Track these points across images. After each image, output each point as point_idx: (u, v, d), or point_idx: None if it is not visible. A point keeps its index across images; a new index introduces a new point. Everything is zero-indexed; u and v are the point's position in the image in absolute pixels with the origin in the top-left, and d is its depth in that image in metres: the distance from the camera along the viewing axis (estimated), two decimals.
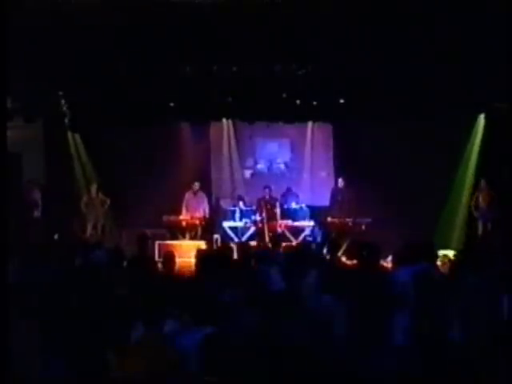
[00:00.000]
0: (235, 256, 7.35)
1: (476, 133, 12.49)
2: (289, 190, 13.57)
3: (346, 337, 4.18)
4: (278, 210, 12.68)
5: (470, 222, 12.31)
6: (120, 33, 9.61)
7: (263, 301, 4.71)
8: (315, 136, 14.01)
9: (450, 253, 9.93)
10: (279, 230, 12.52)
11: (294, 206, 13.34)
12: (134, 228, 11.55)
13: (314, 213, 13.07)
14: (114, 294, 5.05)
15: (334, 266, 6.55)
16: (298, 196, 13.52)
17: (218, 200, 13.96)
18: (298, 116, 12.42)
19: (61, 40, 9.63)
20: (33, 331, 3.97)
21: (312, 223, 12.73)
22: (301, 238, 12.42)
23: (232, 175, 14.21)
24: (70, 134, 13.00)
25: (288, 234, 12.50)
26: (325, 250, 7.12)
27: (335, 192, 12.73)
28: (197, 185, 12.90)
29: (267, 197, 12.65)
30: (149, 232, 11.13)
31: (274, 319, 4.21)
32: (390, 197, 12.18)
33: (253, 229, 12.63)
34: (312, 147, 14.05)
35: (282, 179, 14.05)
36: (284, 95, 11.42)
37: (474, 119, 12.48)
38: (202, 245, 11.77)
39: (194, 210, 12.83)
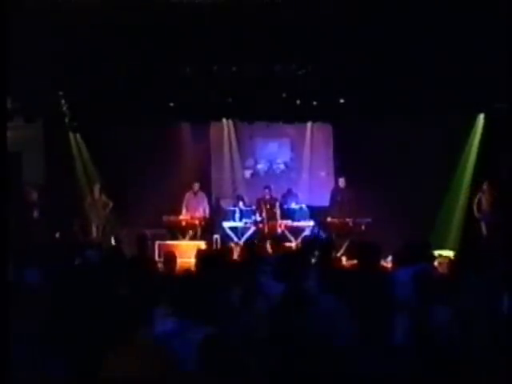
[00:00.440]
0: (238, 256, 7.36)
1: (475, 133, 12.49)
2: (289, 190, 13.57)
3: (346, 337, 4.18)
4: (277, 210, 12.69)
5: (468, 222, 12.31)
6: (120, 33, 9.62)
7: (263, 301, 4.71)
8: (315, 136, 14.02)
9: (450, 253, 9.96)
10: (279, 230, 12.53)
11: (293, 206, 13.35)
12: (134, 228, 11.56)
13: (314, 213, 13.09)
14: (114, 294, 5.05)
15: (333, 266, 6.54)
16: (298, 196, 13.53)
17: (218, 200, 13.96)
18: (297, 116, 12.42)
19: (61, 40, 9.63)
20: (32, 331, 3.97)
21: (312, 223, 12.74)
22: (300, 238, 12.42)
23: (232, 175, 14.22)
24: (71, 134, 13.00)
25: (288, 234, 12.51)
26: (316, 252, 7.11)
27: (335, 192, 12.72)
28: (197, 185, 12.92)
29: (267, 197, 12.65)
30: (149, 232, 11.15)
31: (274, 319, 4.21)
32: (389, 197, 12.18)
33: (253, 229, 12.63)
34: (311, 147, 14.05)
35: (282, 179, 14.06)
36: (284, 95, 11.42)
37: (474, 119, 12.48)
38: (202, 245, 11.78)
39: (193, 210, 12.84)
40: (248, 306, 4.65)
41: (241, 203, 13.31)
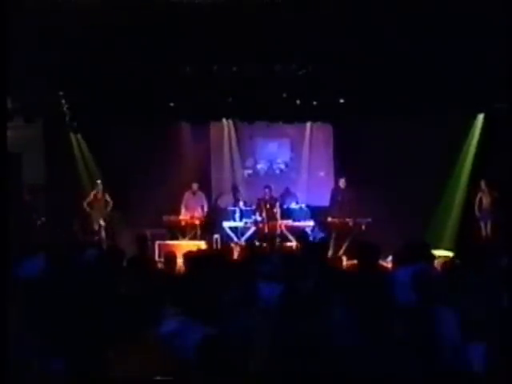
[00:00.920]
0: (237, 256, 7.36)
1: (474, 133, 12.50)
2: (287, 190, 13.57)
3: (346, 337, 4.18)
4: (277, 210, 12.69)
5: (464, 222, 12.31)
6: (120, 33, 9.61)
7: (263, 301, 4.71)
8: (314, 136, 14.01)
9: (445, 253, 9.97)
10: (279, 230, 12.53)
11: (293, 206, 13.36)
12: (134, 228, 11.56)
13: (314, 213, 13.09)
14: (114, 294, 5.05)
15: (333, 266, 6.55)
16: (296, 196, 13.52)
17: (218, 200, 13.96)
18: (297, 116, 12.43)
19: (61, 40, 9.62)
20: (32, 330, 3.97)
21: (312, 223, 12.75)
22: (298, 238, 12.41)
23: (232, 175, 14.21)
24: (71, 134, 13.00)
25: (288, 234, 12.51)
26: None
27: (335, 192, 12.72)
28: (195, 185, 12.92)
29: (267, 197, 12.65)
30: (149, 232, 11.16)
31: (273, 320, 4.21)
32: (390, 197, 12.18)
33: (253, 229, 12.63)
34: (310, 147, 14.05)
35: (282, 179, 14.05)
36: (284, 95, 11.42)
37: (474, 119, 12.48)
38: (202, 245, 11.78)
39: (192, 210, 12.84)
40: (247, 306, 4.65)
41: (241, 203, 13.32)
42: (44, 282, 5.62)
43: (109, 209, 12.60)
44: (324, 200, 12.99)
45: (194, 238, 12.61)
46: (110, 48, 9.99)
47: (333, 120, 13.21)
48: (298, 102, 11.56)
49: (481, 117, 12.32)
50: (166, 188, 12.65)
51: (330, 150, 14.01)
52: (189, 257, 6.16)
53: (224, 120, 13.70)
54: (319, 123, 13.64)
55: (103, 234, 12.46)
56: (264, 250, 9.87)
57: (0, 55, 4.21)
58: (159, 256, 11.11)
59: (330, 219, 12.47)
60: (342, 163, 13.47)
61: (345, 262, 10.66)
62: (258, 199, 12.73)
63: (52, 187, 12.75)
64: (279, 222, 12.61)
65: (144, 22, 9.39)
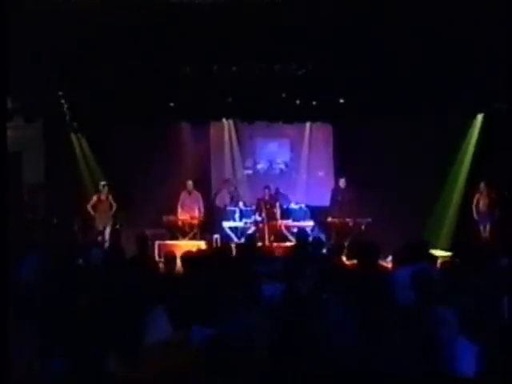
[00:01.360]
0: (237, 256, 7.34)
1: (472, 133, 12.49)
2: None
3: (345, 336, 4.18)
4: (277, 210, 12.70)
5: (462, 222, 12.31)
6: (120, 33, 9.61)
7: (263, 301, 4.71)
8: (314, 136, 14.02)
9: (441, 253, 9.97)
10: (279, 230, 12.53)
11: (293, 206, 13.36)
12: (134, 228, 11.56)
13: (314, 213, 13.09)
14: (114, 294, 5.05)
15: (333, 266, 6.54)
16: (287, 197, 13.45)
17: (216, 200, 13.94)
18: (297, 116, 12.44)
19: (61, 40, 9.63)
20: (33, 331, 3.97)
21: (312, 223, 12.75)
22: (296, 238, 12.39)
23: (233, 175, 14.21)
24: (72, 134, 12.99)
25: (288, 234, 12.51)
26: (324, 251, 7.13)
27: (335, 192, 12.72)
28: (190, 184, 12.86)
29: (267, 197, 12.65)
30: (149, 232, 11.16)
31: (274, 319, 4.21)
32: (390, 197, 12.18)
33: (253, 229, 12.63)
34: (310, 147, 14.06)
35: (282, 179, 14.06)
36: (284, 95, 11.42)
37: (473, 119, 12.47)
38: (202, 245, 11.78)
39: (189, 210, 12.83)
40: (247, 306, 4.66)
41: (241, 203, 13.32)
42: (44, 282, 5.62)
43: (113, 211, 12.57)
44: (324, 200, 13.00)
45: (193, 238, 12.62)
46: (110, 48, 10.00)
47: (332, 120, 13.23)
48: (297, 102, 11.57)
49: (480, 117, 12.31)
50: (166, 188, 12.65)
51: (330, 150, 14.02)
52: (188, 257, 6.15)
53: (224, 120, 13.71)
54: (319, 123, 13.65)
55: (107, 235, 12.44)
56: (264, 249, 9.87)
57: (0, 55, 4.21)
58: (159, 256, 11.10)
59: (330, 219, 12.48)
60: (342, 163, 13.47)
61: (345, 261, 10.64)
62: (258, 199, 12.73)
63: (52, 187, 12.74)
64: (279, 222, 12.61)
65: (144, 22, 9.40)
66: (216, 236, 12.61)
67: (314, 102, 11.63)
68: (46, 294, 5.08)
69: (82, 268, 6.66)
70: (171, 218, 12.72)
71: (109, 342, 4.24)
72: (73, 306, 4.70)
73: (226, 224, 12.97)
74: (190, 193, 12.92)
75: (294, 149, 14.27)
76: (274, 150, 14.33)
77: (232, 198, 13.39)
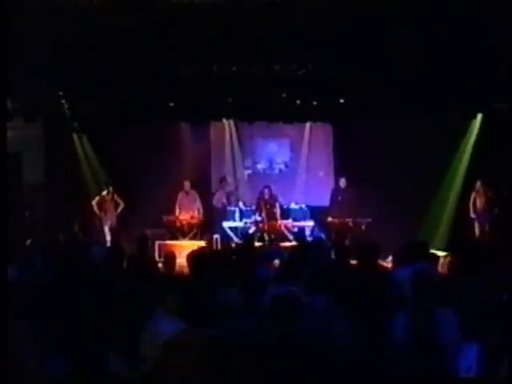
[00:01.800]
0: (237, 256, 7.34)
1: (471, 132, 12.49)
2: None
3: (346, 337, 4.19)
4: (277, 210, 12.70)
5: (458, 221, 12.30)
6: (120, 33, 9.61)
7: (262, 302, 4.71)
8: (314, 136, 14.02)
9: (441, 253, 9.97)
10: (279, 229, 12.53)
11: (293, 205, 13.35)
12: (134, 228, 11.55)
13: (314, 213, 13.08)
14: (114, 294, 5.06)
15: (333, 266, 6.55)
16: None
17: (216, 200, 13.93)
18: (297, 116, 12.44)
19: (61, 40, 9.63)
20: (32, 331, 3.97)
21: (312, 223, 12.75)
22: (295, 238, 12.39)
23: (233, 175, 14.20)
24: (75, 134, 12.98)
25: (288, 234, 12.51)
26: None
27: (335, 192, 12.72)
28: (187, 184, 12.86)
29: (267, 197, 12.64)
30: (149, 232, 11.16)
31: (273, 320, 4.21)
32: (390, 197, 12.18)
33: (253, 229, 12.63)
34: (309, 147, 14.05)
35: (282, 179, 14.05)
36: (284, 95, 11.43)
37: (473, 119, 12.48)
38: (202, 245, 11.76)
39: (187, 210, 12.83)
40: (247, 306, 4.66)
41: (241, 203, 13.31)
42: (43, 282, 5.62)
43: (119, 209, 12.57)
44: (324, 200, 12.99)
45: (194, 238, 12.62)
46: (110, 48, 10.00)
47: (332, 120, 13.23)
48: (297, 102, 11.58)
49: (479, 117, 12.31)
50: (167, 188, 12.65)
51: (330, 150, 14.01)
52: (190, 257, 6.15)
53: (224, 120, 13.70)
54: (319, 123, 13.64)
55: (109, 234, 12.43)
56: (264, 249, 9.87)
57: (0, 55, 4.21)
58: (159, 256, 11.11)
59: (330, 219, 12.48)
60: (342, 163, 13.47)
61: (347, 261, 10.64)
62: (258, 199, 12.72)
63: (52, 187, 12.74)
64: (279, 221, 12.61)
65: (144, 22, 9.40)
66: (216, 236, 12.60)
67: (314, 102, 11.64)
68: (46, 293, 5.08)
69: (82, 268, 6.65)
70: (171, 217, 12.72)
71: (109, 341, 4.24)
72: (73, 306, 4.70)
73: (226, 224, 12.96)
74: (187, 193, 12.92)
75: (294, 149, 14.26)
76: (273, 150, 14.32)
77: (228, 198, 13.36)
